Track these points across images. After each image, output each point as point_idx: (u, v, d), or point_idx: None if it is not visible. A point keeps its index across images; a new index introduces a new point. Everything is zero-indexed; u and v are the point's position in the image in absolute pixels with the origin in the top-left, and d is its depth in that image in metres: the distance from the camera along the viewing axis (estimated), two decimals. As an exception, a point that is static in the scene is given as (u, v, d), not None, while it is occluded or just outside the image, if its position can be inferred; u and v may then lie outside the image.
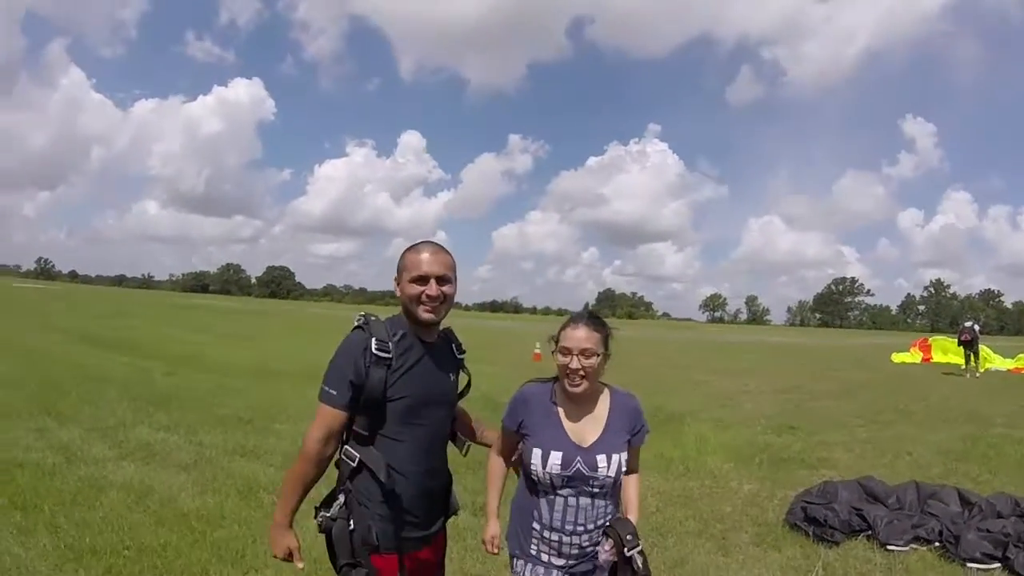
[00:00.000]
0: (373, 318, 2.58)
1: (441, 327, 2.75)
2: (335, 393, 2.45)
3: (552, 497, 2.62)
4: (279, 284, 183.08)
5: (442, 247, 2.63)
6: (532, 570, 2.69)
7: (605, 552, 2.59)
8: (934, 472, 8.14)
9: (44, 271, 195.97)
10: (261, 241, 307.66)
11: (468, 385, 2.86)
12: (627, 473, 2.72)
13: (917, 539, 5.60)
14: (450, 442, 2.83)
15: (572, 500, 2.60)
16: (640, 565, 2.53)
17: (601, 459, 2.57)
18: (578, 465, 2.57)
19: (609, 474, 2.57)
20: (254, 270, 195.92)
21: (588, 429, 2.64)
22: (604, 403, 2.70)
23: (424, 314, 2.54)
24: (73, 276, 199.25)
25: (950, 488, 6.42)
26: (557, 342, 2.65)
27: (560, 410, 2.68)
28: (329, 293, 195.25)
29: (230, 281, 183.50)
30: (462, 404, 2.90)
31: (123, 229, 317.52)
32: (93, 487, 6.03)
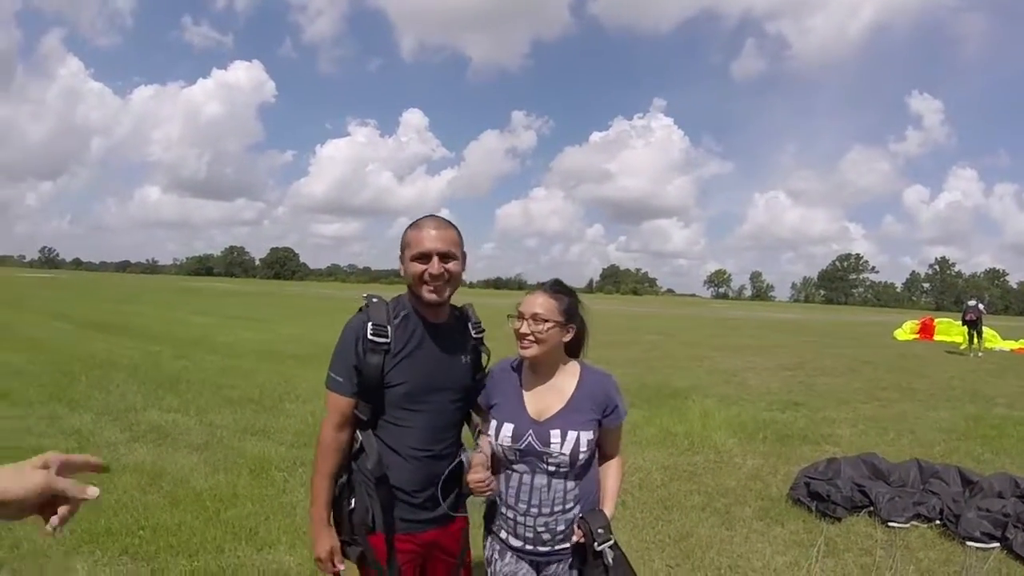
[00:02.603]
0: (376, 299, 2.49)
1: (458, 304, 2.67)
2: (341, 380, 2.43)
3: (509, 472, 2.52)
4: (283, 265, 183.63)
5: (447, 221, 2.50)
6: (490, 545, 2.66)
7: (576, 537, 2.44)
8: (936, 450, 8.22)
9: (48, 260, 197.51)
10: (264, 223, 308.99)
11: (487, 363, 2.74)
12: (606, 459, 2.66)
13: (918, 516, 5.67)
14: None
15: (527, 478, 2.48)
16: (611, 560, 2.39)
17: (554, 434, 2.42)
18: (529, 439, 2.44)
19: (563, 451, 2.41)
20: (258, 252, 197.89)
21: (549, 403, 2.51)
22: (571, 378, 2.56)
23: (427, 294, 2.42)
24: (78, 264, 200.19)
25: (951, 467, 6.49)
26: (517, 307, 2.54)
27: (523, 384, 2.59)
28: (334, 273, 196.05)
29: (234, 263, 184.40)
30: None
31: (126, 216, 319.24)
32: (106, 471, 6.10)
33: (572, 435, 2.42)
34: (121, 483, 5.80)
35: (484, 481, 2.39)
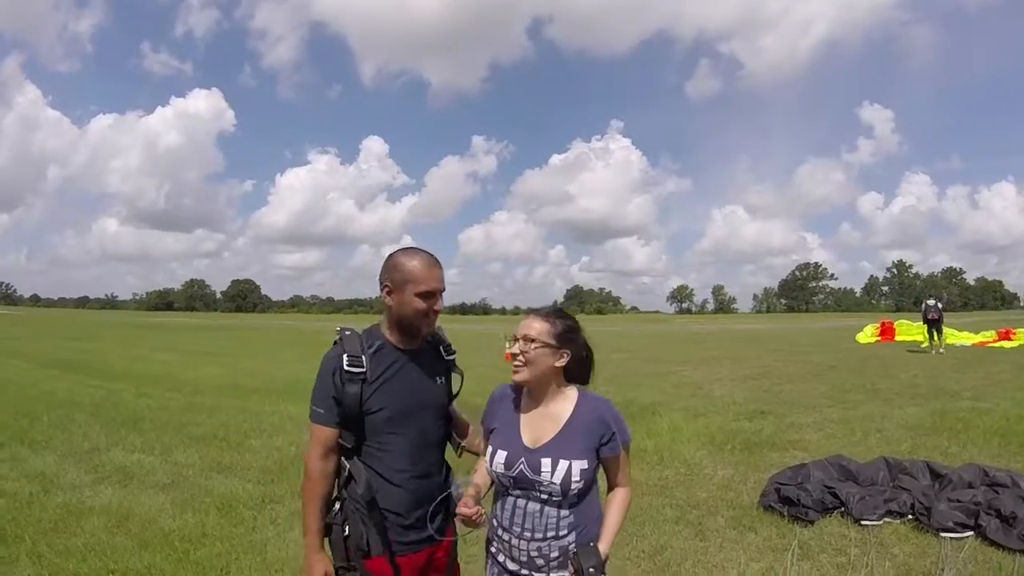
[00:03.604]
0: (348, 332, 2.57)
1: None
2: (323, 411, 2.50)
3: (505, 497, 2.51)
4: (245, 298, 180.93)
5: (437, 259, 2.61)
6: (489, 569, 2.64)
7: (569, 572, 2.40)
8: (903, 448, 8.28)
9: (5, 296, 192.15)
10: (225, 255, 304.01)
11: (461, 384, 2.82)
12: (612, 488, 2.59)
13: (890, 513, 5.70)
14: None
15: (521, 503, 2.46)
16: None
17: (545, 463, 2.40)
18: (521, 467, 2.43)
19: (553, 480, 2.37)
20: (219, 285, 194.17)
21: (543, 431, 2.49)
22: (567, 406, 2.53)
23: (427, 328, 2.57)
24: (35, 300, 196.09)
25: (919, 462, 6.54)
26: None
27: (521, 409, 2.59)
28: (296, 304, 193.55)
29: (195, 297, 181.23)
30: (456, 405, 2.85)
31: (84, 249, 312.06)
32: (72, 513, 5.95)
33: (563, 464, 2.39)
34: (88, 526, 5.65)
35: (473, 516, 2.37)
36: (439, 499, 2.58)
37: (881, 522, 5.62)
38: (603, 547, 2.44)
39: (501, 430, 2.57)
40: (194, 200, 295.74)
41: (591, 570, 2.32)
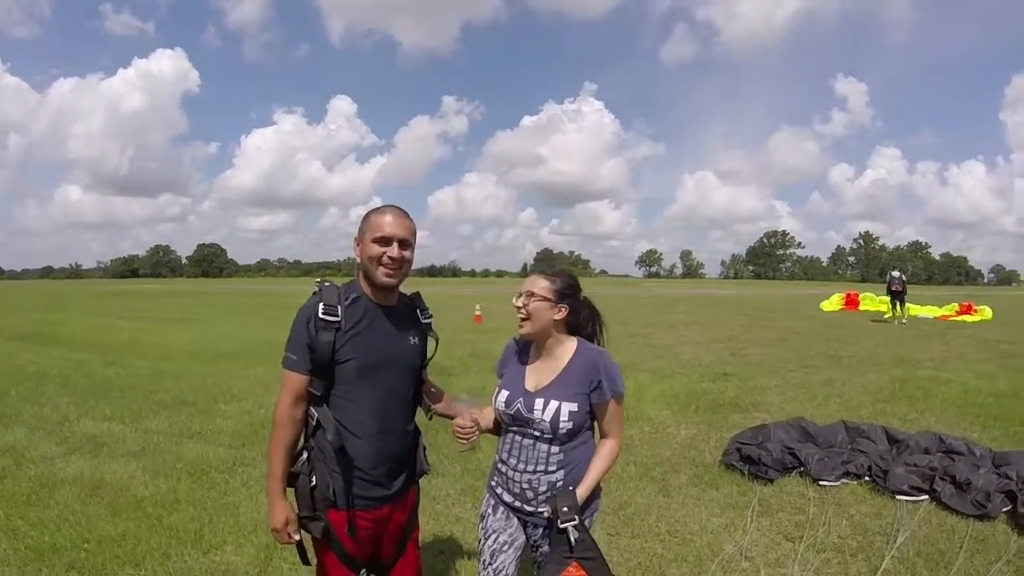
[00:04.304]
0: (328, 284, 2.62)
1: (406, 292, 2.82)
2: (295, 358, 2.53)
3: (506, 433, 2.81)
4: (211, 263, 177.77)
5: (406, 212, 2.65)
6: (487, 500, 2.92)
7: (546, 512, 2.68)
8: (863, 413, 8.46)
9: None
10: (190, 219, 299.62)
11: (436, 348, 2.89)
12: (603, 437, 2.80)
13: (847, 474, 5.85)
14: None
15: (518, 438, 2.74)
16: (573, 540, 2.56)
17: (538, 403, 2.66)
18: (518, 405, 2.71)
19: (544, 418, 2.64)
20: (185, 250, 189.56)
21: (543, 376, 2.75)
22: (567, 354, 2.77)
23: (383, 277, 2.57)
24: None
25: (877, 427, 6.71)
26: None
27: (528, 359, 2.85)
28: (263, 268, 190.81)
29: (160, 263, 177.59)
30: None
31: (46, 218, 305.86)
32: (45, 486, 5.89)
33: (554, 404, 2.65)
34: (61, 497, 5.60)
35: (466, 428, 2.67)
36: (402, 451, 2.72)
37: (839, 483, 5.76)
38: (581, 491, 2.66)
39: (508, 374, 2.87)
40: (158, 164, 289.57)
41: (565, 510, 2.57)
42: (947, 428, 7.27)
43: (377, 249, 2.55)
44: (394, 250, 2.55)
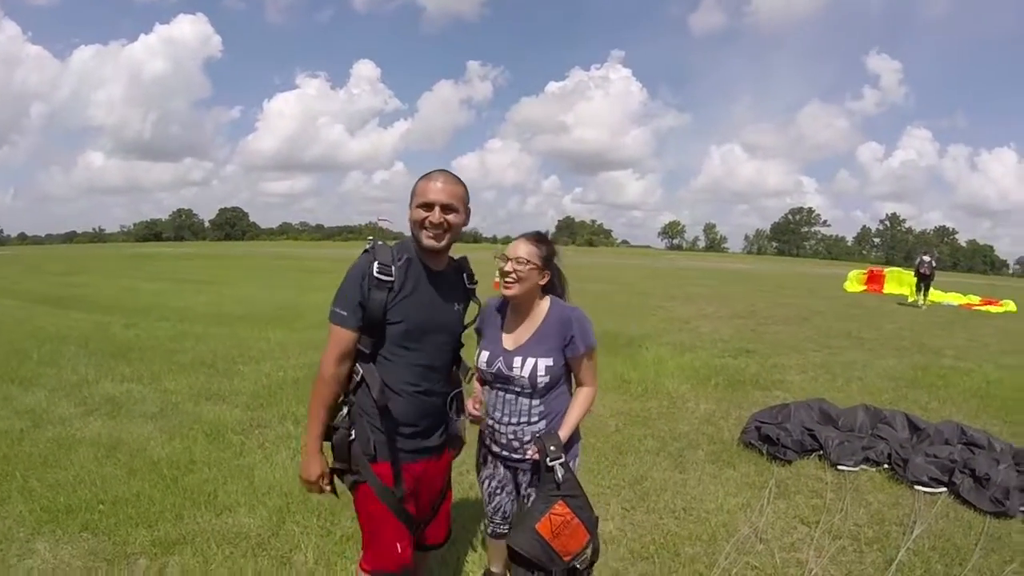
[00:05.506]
0: (380, 243, 2.65)
1: (455, 256, 2.87)
2: (345, 314, 2.58)
3: (491, 390, 3.03)
4: (233, 226, 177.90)
5: (455, 177, 2.68)
6: (479, 451, 3.24)
7: (532, 452, 2.90)
8: (884, 398, 8.37)
9: None
10: (213, 183, 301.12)
11: (476, 315, 3.06)
12: (579, 386, 3.08)
13: (867, 460, 5.77)
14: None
15: (501, 394, 2.99)
16: (560, 477, 2.79)
17: (517, 360, 2.91)
18: (499, 364, 2.95)
19: (522, 374, 2.89)
20: (207, 214, 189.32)
21: (521, 335, 2.98)
22: (541, 312, 2.99)
23: (426, 239, 2.60)
24: (23, 238, 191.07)
25: (899, 413, 6.61)
26: (502, 253, 2.95)
27: (504, 318, 3.06)
28: (285, 231, 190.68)
29: (183, 226, 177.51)
30: None
31: (70, 184, 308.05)
32: (62, 447, 5.94)
33: (531, 361, 2.90)
34: (78, 458, 5.64)
35: (477, 406, 2.93)
36: (439, 411, 2.84)
37: (858, 468, 5.70)
38: (563, 433, 2.93)
39: (488, 335, 3.07)
40: (181, 128, 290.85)
41: (552, 448, 2.82)
42: (967, 420, 7.14)
43: (421, 213, 2.59)
44: (436, 215, 2.57)
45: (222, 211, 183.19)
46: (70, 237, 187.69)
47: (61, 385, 8.21)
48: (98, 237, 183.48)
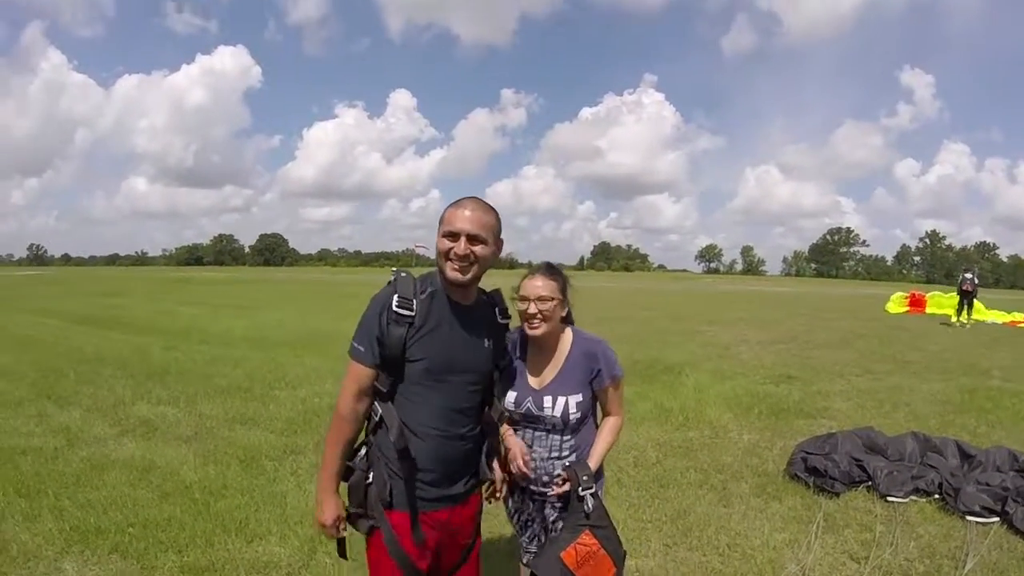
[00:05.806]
0: (404, 274, 2.51)
1: (487, 289, 2.72)
2: (363, 350, 2.44)
3: (519, 429, 2.92)
4: (273, 252, 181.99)
5: (486, 205, 2.52)
6: (506, 487, 3.04)
7: (558, 486, 2.83)
8: (932, 424, 8.14)
9: (37, 257, 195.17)
10: (253, 210, 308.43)
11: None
12: (606, 416, 3.00)
13: (917, 491, 5.60)
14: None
15: (530, 432, 2.90)
16: (590, 507, 2.75)
17: (547, 400, 2.83)
18: (528, 405, 2.84)
19: (554, 414, 2.81)
20: (247, 239, 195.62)
21: (546, 372, 2.89)
22: (565, 347, 2.91)
23: (450, 271, 2.43)
24: (66, 259, 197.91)
25: (949, 440, 6.43)
26: (518, 292, 2.83)
27: (528, 354, 2.94)
28: (324, 257, 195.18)
29: (223, 252, 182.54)
30: None
31: (113, 208, 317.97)
32: (95, 467, 6.02)
33: (562, 400, 2.82)
34: (110, 479, 5.71)
35: (528, 460, 2.81)
36: (465, 454, 2.63)
37: (907, 499, 5.54)
38: (592, 463, 2.87)
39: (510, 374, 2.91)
40: (222, 156, 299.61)
41: (584, 478, 2.79)
42: (1018, 444, 6.92)
43: (446, 243, 2.43)
44: (461, 246, 2.40)
45: (262, 237, 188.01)
46: (113, 259, 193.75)
47: (97, 405, 8.37)
48: (140, 260, 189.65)
